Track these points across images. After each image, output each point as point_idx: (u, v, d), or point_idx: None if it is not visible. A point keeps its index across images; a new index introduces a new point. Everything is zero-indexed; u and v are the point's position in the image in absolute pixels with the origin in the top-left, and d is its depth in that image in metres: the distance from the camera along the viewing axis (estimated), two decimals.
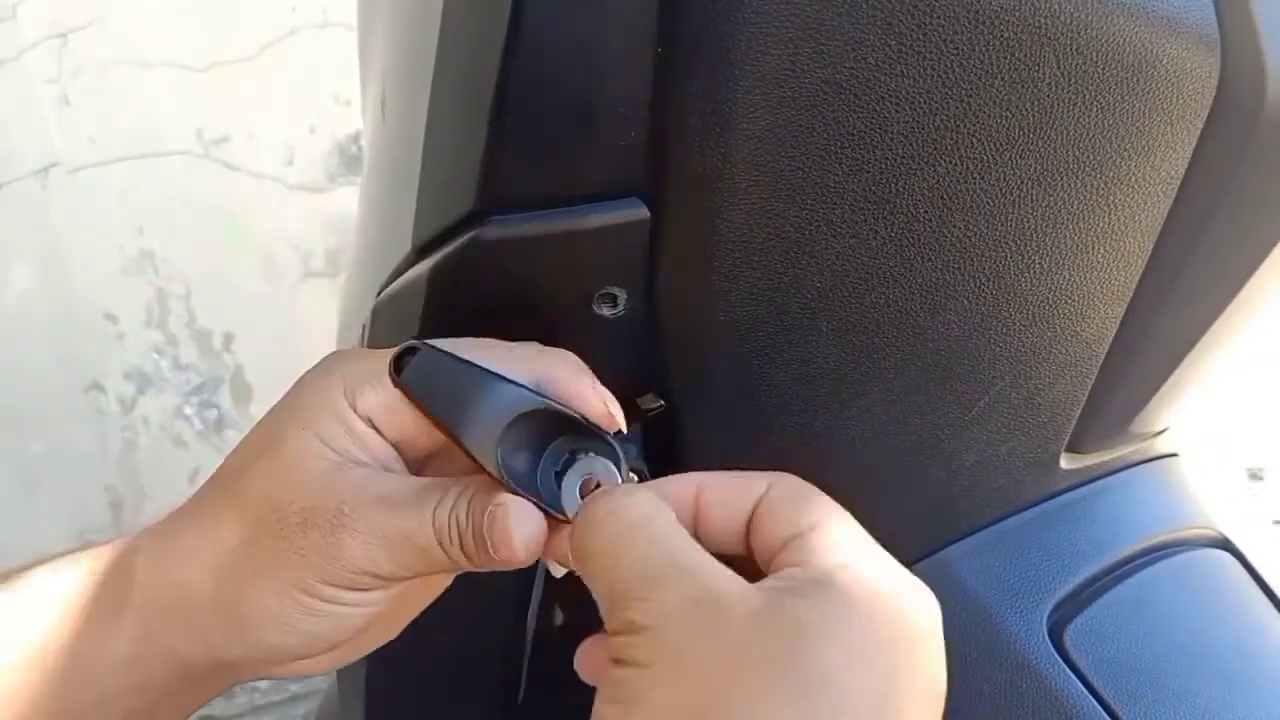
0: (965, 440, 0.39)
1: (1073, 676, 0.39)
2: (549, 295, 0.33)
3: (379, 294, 0.36)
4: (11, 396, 1.17)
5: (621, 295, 0.33)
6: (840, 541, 0.27)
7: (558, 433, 0.30)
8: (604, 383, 0.34)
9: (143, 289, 1.20)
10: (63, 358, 1.19)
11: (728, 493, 0.29)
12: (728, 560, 0.27)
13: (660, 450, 0.38)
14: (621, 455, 0.30)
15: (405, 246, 0.33)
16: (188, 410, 1.23)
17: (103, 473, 1.20)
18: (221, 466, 0.32)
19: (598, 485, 0.30)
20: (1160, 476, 0.49)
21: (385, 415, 0.30)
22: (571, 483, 0.30)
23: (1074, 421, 0.41)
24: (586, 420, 0.30)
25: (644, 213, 0.31)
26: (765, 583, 0.26)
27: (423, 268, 0.32)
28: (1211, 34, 0.31)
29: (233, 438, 1.23)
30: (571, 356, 0.31)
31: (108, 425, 1.20)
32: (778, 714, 0.23)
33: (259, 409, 1.24)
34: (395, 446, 0.31)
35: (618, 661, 0.25)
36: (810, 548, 0.27)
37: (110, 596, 0.30)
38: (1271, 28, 0.32)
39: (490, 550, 0.29)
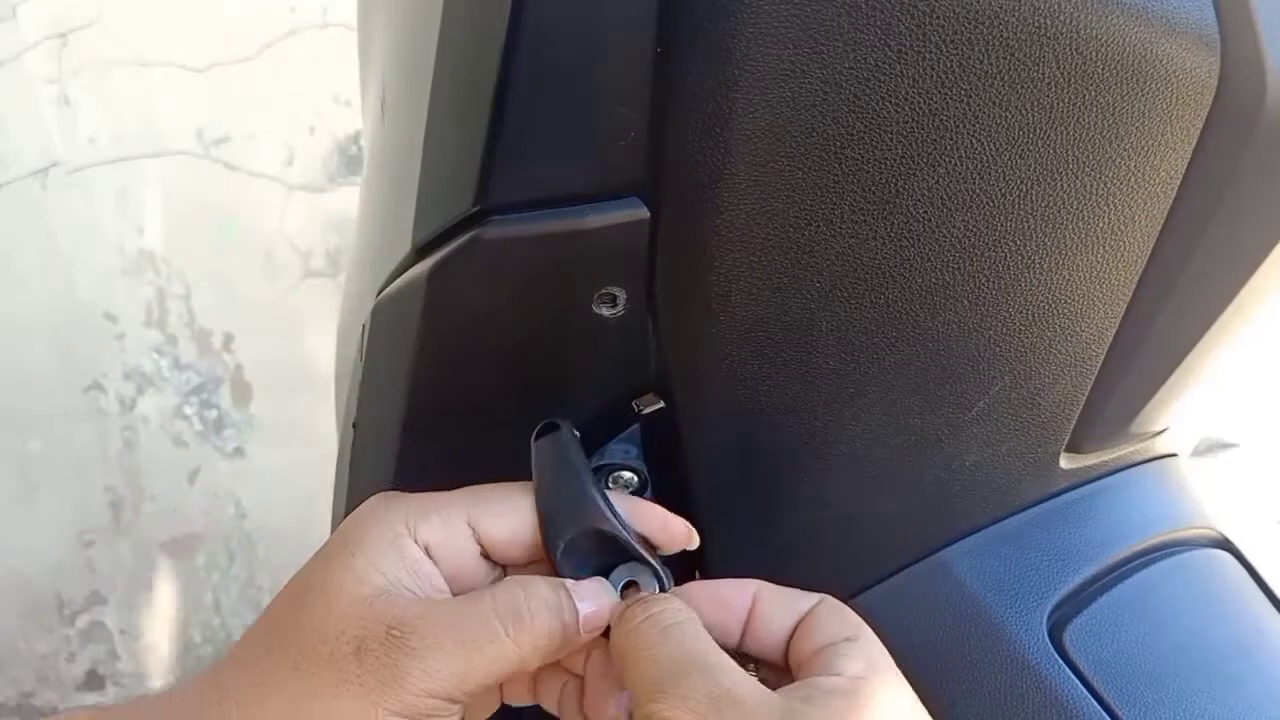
0: (965, 440, 0.39)
1: (1072, 676, 0.39)
2: (549, 295, 0.33)
3: (379, 294, 0.36)
4: (11, 396, 1.17)
5: (621, 295, 0.33)
6: (867, 655, 0.29)
7: (619, 560, 0.33)
8: (603, 383, 0.34)
9: (143, 289, 1.20)
10: (63, 358, 1.19)
11: (778, 604, 0.31)
12: (767, 669, 0.30)
13: (660, 451, 0.38)
14: (667, 579, 0.32)
15: (405, 246, 0.33)
16: (188, 410, 1.23)
17: (103, 473, 1.20)
18: (268, 609, 0.31)
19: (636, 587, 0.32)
20: (1160, 476, 0.49)
21: (442, 548, 0.31)
22: (618, 579, 0.32)
23: (1074, 421, 0.41)
24: (647, 557, 0.32)
25: (644, 213, 0.31)
26: (786, 689, 0.27)
27: (423, 268, 0.32)
28: (1211, 34, 0.31)
29: (232, 437, 1.24)
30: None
31: (108, 425, 1.20)
32: None
33: (259, 409, 1.25)
34: (448, 581, 0.31)
35: None
36: (836, 658, 0.28)
37: None
38: (1271, 28, 0.32)
39: (572, 629, 0.30)
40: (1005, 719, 0.39)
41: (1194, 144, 0.33)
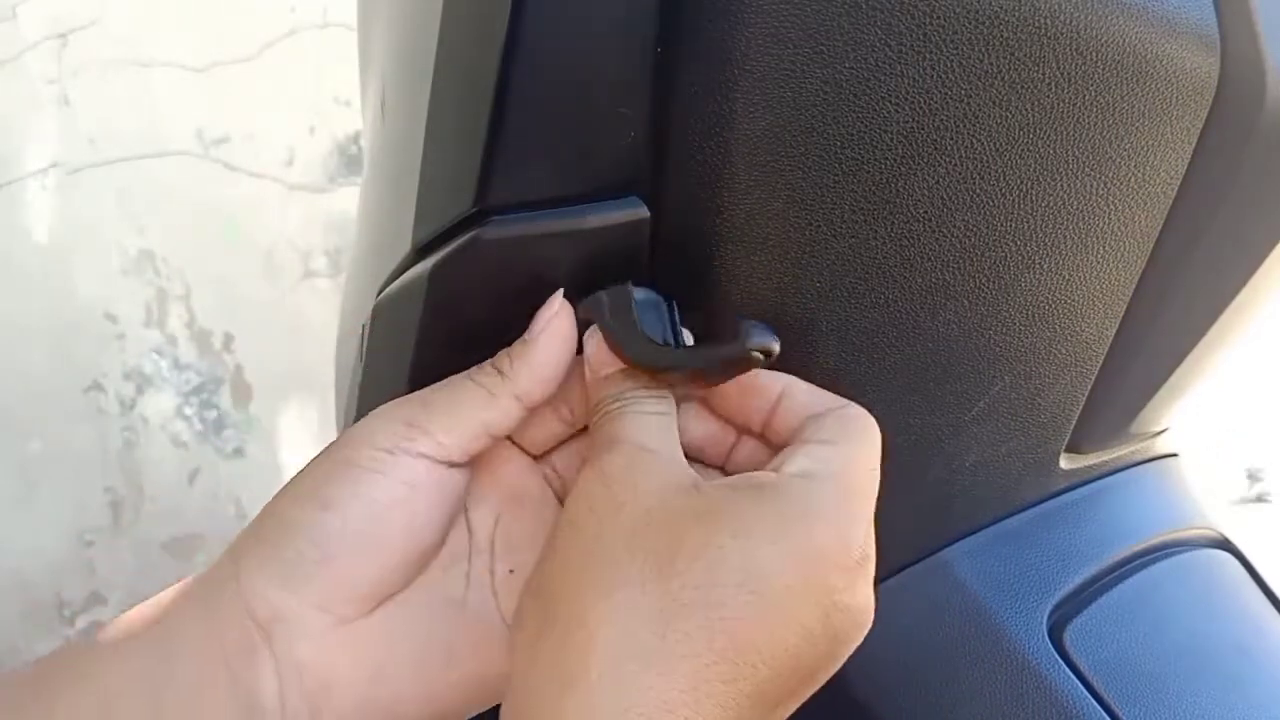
0: (965, 440, 0.39)
1: (1073, 676, 0.39)
2: (549, 295, 0.33)
3: (379, 294, 0.36)
4: (11, 397, 1.17)
5: None
6: (821, 457, 0.29)
7: None
8: None
9: (143, 289, 1.20)
10: (63, 358, 1.19)
11: (801, 401, 0.31)
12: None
13: None
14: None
15: (405, 246, 0.33)
16: (188, 410, 1.23)
17: (103, 473, 1.20)
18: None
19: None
20: (1160, 476, 0.49)
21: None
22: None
23: (1074, 421, 0.41)
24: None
25: (644, 213, 0.31)
26: (725, 479, 0.28)
27: (423, 268, 0.32)
28: (1211, 34, 0.31)
29: (232, 437, 1.23)
30: None
31: (107, 425, 1.20)
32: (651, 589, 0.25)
33: (259, 409, 1.24)
34: None
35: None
36: (790, 455, 0.29)
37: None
38: (1271, 28, 0.32)
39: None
40: (1005, 719, 0.39)
41: (1194, 144, 0.33)
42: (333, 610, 0.29)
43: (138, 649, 0.29)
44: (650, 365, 0.30)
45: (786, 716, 0.28)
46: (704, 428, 0.33)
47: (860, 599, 0.27)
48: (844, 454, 0.29)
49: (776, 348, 0.29)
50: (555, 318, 0.31)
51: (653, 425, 0.30)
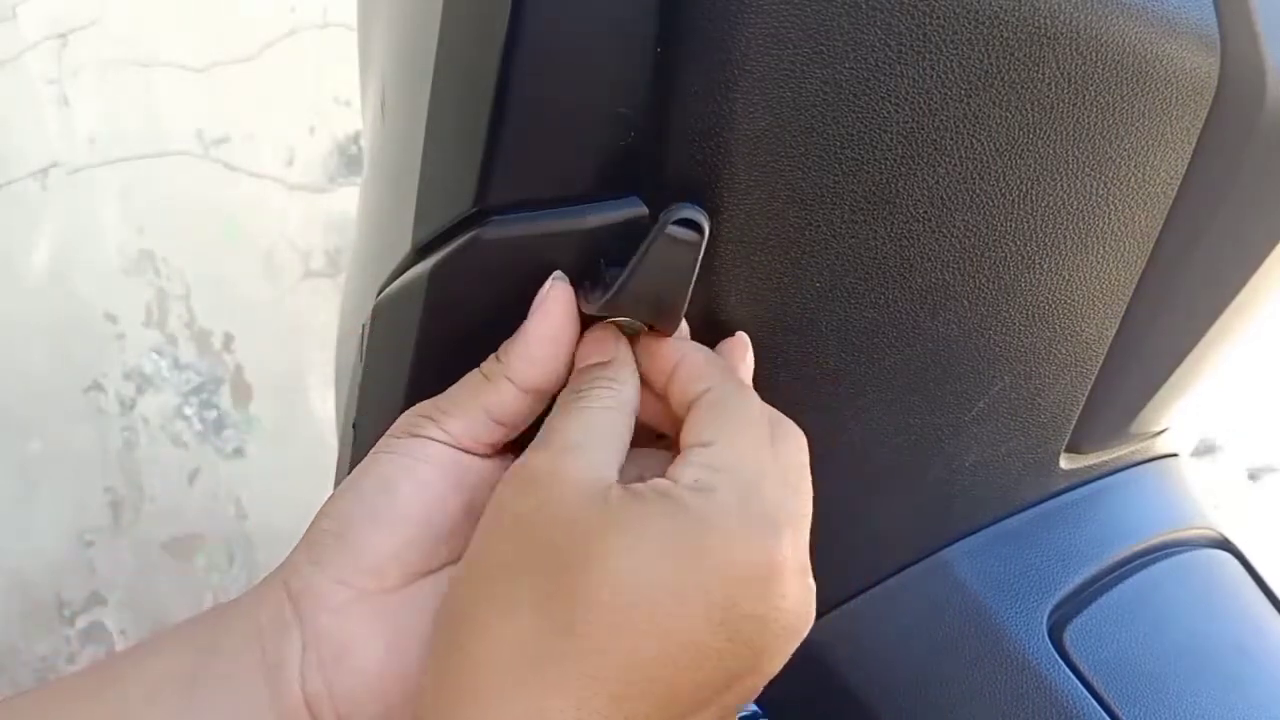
0: (965, 440, 0.39)
1: (1072, 676, 0.39)
2: None
3: (379, 294, 0.36)
4: (11, 397, 1.17)
5: None
6: (709, 463, 0.28)
7: None
8: None
9: (143, 289, 1.20)
10: (62, 358, 1.19)
11: (688, 378, 0.30)
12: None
13: None
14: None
15: (405, 246, 0.33)
16: (187, 410, 1.23)
17: (103, 473, 1.20)
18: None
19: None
20: (1160, 476, 0.49)
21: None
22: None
23: (1074, 421, 0.41)
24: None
25: (644, 212, 0.31)
26: (635, 485, 0.28)
27: (423, 268, 0.32)
28: (1211, 34, 0.31)
29: (232, 437, 1.23)
30: None
31: (107, 425, 1.20)
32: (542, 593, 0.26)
33: (259, 409, 1.24)
34: None
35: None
36: (681, 463, 0.28)
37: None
38: (1271, 28, 0.32)
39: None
40: (1005, 719, 0.39)
41: (1194, 144, 0.33)
42: (351, 583, 0.30)
43: (197, 624, 0.31)
44: (598, 305, 0.30)
45: None
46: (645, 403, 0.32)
47: (771, 606, 0.26)
48: (725, 455, 0.28)
49: (705, 224, 0.28)
50: (546, 299, 0.31)
51: (591, 420, 0.29)
